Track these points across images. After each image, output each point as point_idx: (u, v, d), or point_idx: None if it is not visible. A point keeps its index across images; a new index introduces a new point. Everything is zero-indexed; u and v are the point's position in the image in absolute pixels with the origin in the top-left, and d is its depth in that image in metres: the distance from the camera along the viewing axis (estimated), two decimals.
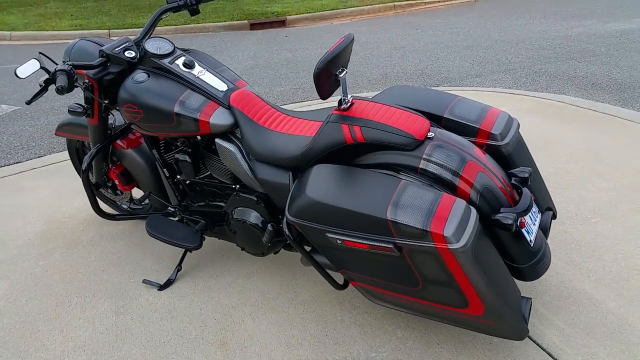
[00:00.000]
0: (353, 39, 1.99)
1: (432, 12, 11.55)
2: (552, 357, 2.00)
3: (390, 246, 1.72)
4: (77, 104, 2.43)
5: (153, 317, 2.36)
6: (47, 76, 2.18)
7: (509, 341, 2.09)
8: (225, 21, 11.09)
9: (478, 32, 8.78)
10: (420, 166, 1.87)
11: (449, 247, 1.64)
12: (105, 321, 2.35)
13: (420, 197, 1.74)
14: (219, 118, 2.22)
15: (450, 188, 1.85)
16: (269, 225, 2.25)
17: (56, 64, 2.33)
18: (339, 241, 1.82)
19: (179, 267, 2.62)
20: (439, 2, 12.63)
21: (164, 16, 2.52)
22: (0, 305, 2.50)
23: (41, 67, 2.21)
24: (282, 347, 2.14)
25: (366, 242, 1.76)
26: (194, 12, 2.60)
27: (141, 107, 2.25)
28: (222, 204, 2.50)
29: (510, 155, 2.08)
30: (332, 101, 5.31)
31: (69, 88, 2.08)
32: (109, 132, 2.65)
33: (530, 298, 1.97)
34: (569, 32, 8.34)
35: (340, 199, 1.80)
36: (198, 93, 2.25)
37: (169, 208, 2.74)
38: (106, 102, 2.41)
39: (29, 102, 2.20)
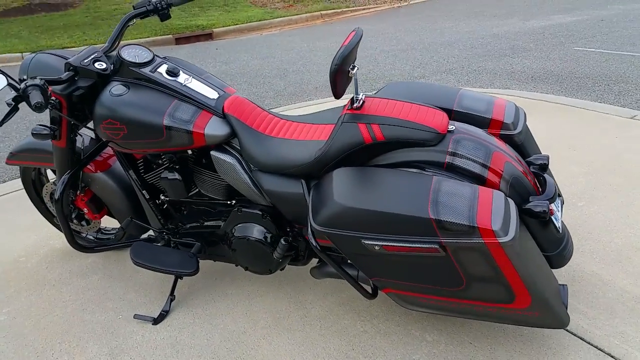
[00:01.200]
0: (362, 33, 1.89)
1: (359, 19, 11.72)
2: (584, 341, 1.97)
3: (435, 246, 1.62)
4: (41, 125, 2.16)
5: (155, 354, 2.12)
6: (12, 94, 1.91)
7: (540, 331, 2.04)
8: (148, 37, 10.72)
9: (409, 37, 8.96)
10: (447, 161, 1.78)
11: (499, 241, 1.56)
12: None
13: (457, 192, 1.65)
14: (214, 128, 2.04)
15: (480, 181, 1.77)
16: (282, 239, 2.08)
17: (15, 81, 2.08)
18: (377, 247, 1.69)
19: (172, 296, 2.38)
20: (364, 9, 12.85)
21: (130, 23, 2.32)
22: None
23: (9, 84, 1.94)
24: None
25: (409, 245, 1.65)
26: (165, 17, 2.41)
27: (124, 123, 2.03)
28: (219, 222, 2.30)
29: (522, 144, 2.04)
30: (320, 103, 5.18)
31: (46, 104, 1.83)
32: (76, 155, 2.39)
33: (566, 285, 1.93)
34: (495, 30, 8.69)
35: (375, 202, 1.68)
36: (187, 103, 2.07)
37: (149, 233, 2.51)
38: (73, 121, 2.17)
39: (0, 124, 1.93)
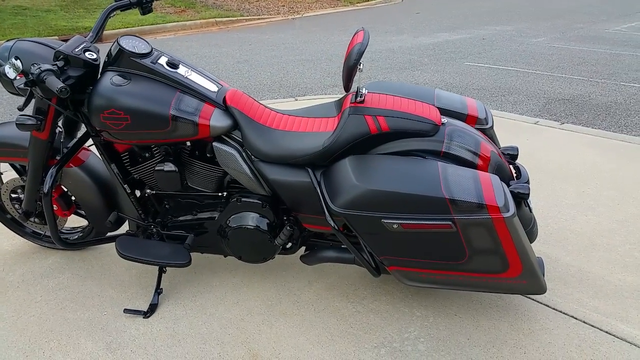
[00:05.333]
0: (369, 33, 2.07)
1: (255, 28, 11.83)
2: (549, 307, 2.29)
3: (448, 223, 1.84)
4: (26, 115, 2.07)
5: (157, 345, 2.12)
6: (20, 79, 1.85)
7: (512, 300, 2.33)
8: (31, 37, 9.98)
9: (310, 47, 9.27)
10: (443, 149, 2.02)
11: (504, 215, 1.81)
12: None
13: (462, 175, 1.89)
14: (219, 120, 2.11)
15: (471, 166, 2.02)
16: (287, 225, 2.19)
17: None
18: (395, 225, 1.87)
19: (159, 289, 2.37)
20: (259, 19, 13.00)
21: (112, 15, 2.31)
22: None
23: (24, 72, 1.86)
24: (316, 346, 2.10)
25: (425, 222, 1.85)
26: (147, 10, 2.41)
27: (128, 113, 2.03)
28: (212, 213, 2.34)
29: (492, 137, 2.34)
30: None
31: (67, 90, 1.78)
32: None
33: (541, 257, 2.24)
34: (390, 45, 9.28)
35: (394, 184, 1.86)
36: (189, 95, 2.11)
37: (128, 229, 2.47)
38: (67, 112, 2.12)
39: (22, 109, 1.85)
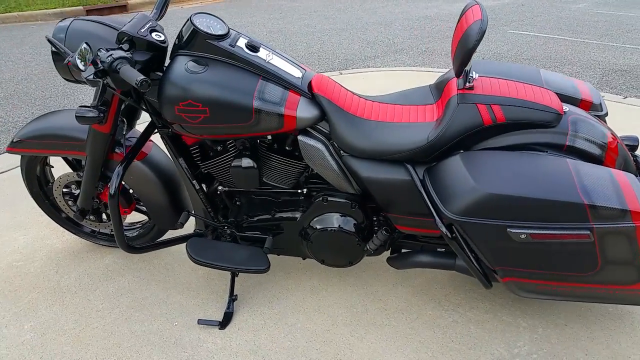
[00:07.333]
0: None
1: None
2: None
3: (586, 232, 1.58)
4: (86, 107, 1.81)
5: None
6: (89, 70, 1.59)
7: (627, 308, 2.08)
8: (55, 8, 9.76)
9: (344, 16, 8.88)
10: (567, 143, 1.74)
11: None
12: None
13: (597, 175, 1.62)
14: (305, 110, 1.85)
15: (598, 162, 1.75)
16: (383, 229, 1.94)
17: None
18: (522, 235, 1.61)
19: (233, 296, 2.15)
20: None
21: None
22: None
23: (93, 60, 1.60)
24: None
25: (559, 232, 1.59)
26: None
27: (207, 105, 1.77)
28: (294, 213, 2.10)
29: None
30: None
31: (148, 82, 1.51)
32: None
33: None
34: (426, 12, 8.86)
35: (522, 187, 1.60)
36: (272, 82, 1.84)
37: (196, 228, 2.25)
38: (127, 99, 1.87)
39: (96, 107, 1.61)
